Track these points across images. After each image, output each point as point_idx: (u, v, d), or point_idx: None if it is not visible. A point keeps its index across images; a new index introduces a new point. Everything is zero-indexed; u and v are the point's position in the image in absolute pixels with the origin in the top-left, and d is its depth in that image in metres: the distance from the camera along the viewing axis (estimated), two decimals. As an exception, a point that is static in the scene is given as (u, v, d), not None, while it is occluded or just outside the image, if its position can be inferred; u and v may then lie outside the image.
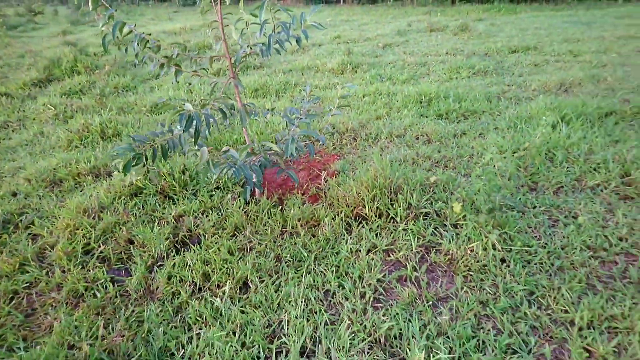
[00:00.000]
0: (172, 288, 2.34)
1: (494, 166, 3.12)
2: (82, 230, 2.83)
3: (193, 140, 2.39)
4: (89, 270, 2.52)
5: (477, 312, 2.10)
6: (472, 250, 2.48)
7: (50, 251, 2.72)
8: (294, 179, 2.70)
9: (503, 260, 2.43)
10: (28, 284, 2.47)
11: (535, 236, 2.60)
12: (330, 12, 21.35)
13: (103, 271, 2.49)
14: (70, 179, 3.70)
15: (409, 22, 14.12)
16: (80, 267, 2.54)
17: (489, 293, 2.21)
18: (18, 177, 3.86)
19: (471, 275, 2.34)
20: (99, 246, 2.72)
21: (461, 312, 2.10)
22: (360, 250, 2.58)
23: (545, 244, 2.53)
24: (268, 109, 5.13)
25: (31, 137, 5.12)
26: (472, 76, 6.79)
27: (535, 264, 2.39)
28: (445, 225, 2.76)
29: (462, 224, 2.70)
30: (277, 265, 2.52)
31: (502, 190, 2.87)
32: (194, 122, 2.31)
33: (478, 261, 2.41)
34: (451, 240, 2.59)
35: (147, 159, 2.69)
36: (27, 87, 7.29)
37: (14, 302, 2.34)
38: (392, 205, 2.90)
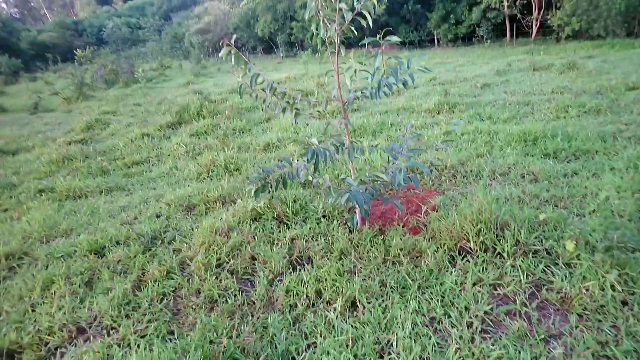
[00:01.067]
0: (290, 300, 2.64)
1: (611, 205, 2.98)
2: (214, 246, 3.31)
3: (313, 169, 2.74)
4: (221, 281, 2.94)
5: (595, 351, 2.03)
6: (587, 290, 2.40)
7: (190, 263, 3.23)
8: (399, 208, 2.90)
9: (624, 303, 2.32)
10: (174, 289, 2.96)
11: (663, 280, 2.43)
12: (424, 57, 21.70)
13: (233, 282, 2.90)
14: (202, 204, 4.32)
15: (509, 62, 13.80)
16: (214, 277, 2.98)
17: (609, 334, 2.12)
18: (160, 202, 4.61)
19: (587, 314, 2.27)
20: (229, 260, 3.16)
21: (576, 349, 2.05)
22: (465, 283, 2.64)
23: (675, 289, 2.35)
24: (372, 145, 5.46)
25: (168, 170, 6.06)
26: (582, 115, 6.44)
27: (664, 309, 2.23)
28: (557, 263, 2.70)
29: (576, 263, 2.62)
30: (382, 289, 2.70)
31: (621, 230, 2.73)
32: (315, 154, 2.66)
33: (595, 301, 2.33)
34: (564, 278, 2.53)
35: (271, 187, 3.11)
36: (162, 128, 8.63)
37: (163, 302, 2.82)
38: (498, 240, 2.92)
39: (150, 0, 65.78)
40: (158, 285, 2.97)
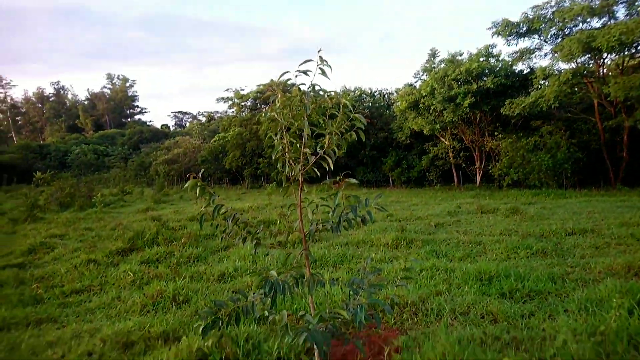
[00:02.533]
0: None
1: (570, 349, 2.95)
2: (149, 394, 2.87)
3: (270, 304, 2.60)
4: None
5: None
6: None
7: (117, 415, 2.74)
8: (361, 350, 2.72)
9: None
10: None
11: None
12: (380, 195, 23.08)
13: None
14: (142, 342, 3.88)
15: (458, 204, 14.88)
16: None
17: None
18: (94, 337, 4.11)
19: None
20: (164, 413, 2.71)
21: None
22: None
23: None
24: (333, 279, 5.35)
25: (109, 300, 5.56)
26: (531, 256, 6.79)
27: None
28: (527, 416, 2.51)
29: (546, 416, 2.45)
30: None
31: (586, 377, 2.65)
32: (274, 287, 2.56)
33: None
34: None
35: (222, 323, 2.89)
36: (112, 255, 8.18)
37: None
38: (463, 388, 2.74)
39: (122, 132, 68.86)
40: None
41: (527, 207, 13.29)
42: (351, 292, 3.34)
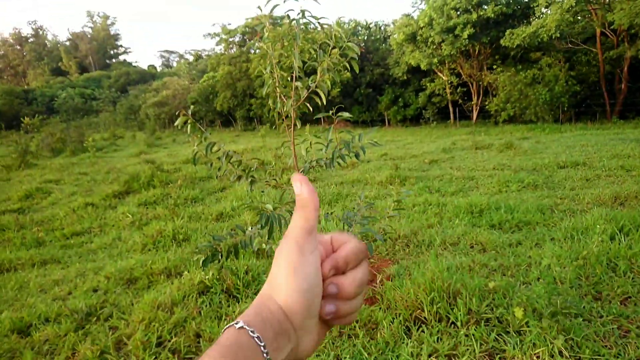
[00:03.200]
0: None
1: (553, 272, 3.11)
2: (155, 323, 3.04)
3: (267, 236, 2.68)
4: (161, 361, 2.66)
5: None
6: (538, 357, 2.40)
7: (127, 342, 2.92)
8: (355, 279, 2.85)
9: (575, 371, 2.32)
10: (105, 372, 2.64)
11: (606, 345, 2.49)
12: (375, 134, 23.01)
13: (174, 362, 2.63)
14: (145, 277, 4.04)
15: (453, 141, 14.91)
16: (153, 357, 2.70)
17: (564, 405, 2.09)
18: (99, 275, 4.27)
19: (542, 384, 2.24)
20: (171, 338, 2.90)
21: (535, 423, 1.99)
22: (421, 355, 2.56)
23: (619, 354, 2.40)
24: (328, 213, 5.47)
25: (110, 241, 5.71)
26: (522, 189, 6.93)
27: (612, 375, 2.26)
28: (508, 331, 2.71)
29: (526, 330, 2.64)
30: (337, 365, 2.55)
31: (563, 295, 2.82)
32: (270, 220, 2.62)
33: (548, 370, 2.32)
34: (515, 346, 2.52)
35: (222, 256, 2.99)
36: (109, 198, 8.27)
37: (92, 388, 2.49)
38: (451, 309, 2.91)
39: (108, 73, 66.54)
40: (87, 368, 2.64)
41: (522, 142, 13.33)
42: (345, 225, 3.43)
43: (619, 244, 3.78)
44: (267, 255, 4.29)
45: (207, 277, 3.56)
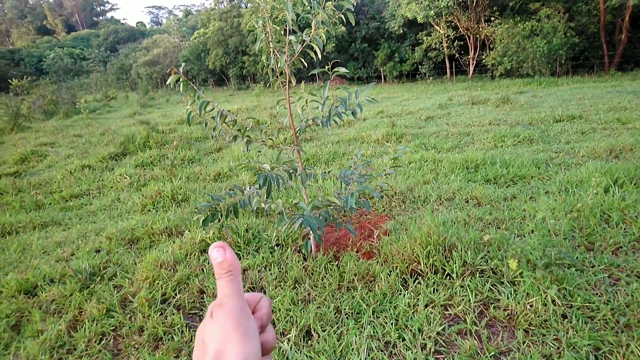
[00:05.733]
0: (241, 333, 2.52)
1: (548, 225, 3.18)
2: (159, 281, 3.12)
3: (265, 196, 2.70)
4: (167, 317, 2.76)
5: (541, 365, 2.10)
6: (531, 306, 2.50)
7: (132, 299, 3.01)
8: (353, 233, 2.91)
9: (564, 316, 2.43)
10: (114, 328, 2.73)
11: (597, 293, 2.59)
12: (372, 91, 22.64)
13: (179, 317, 2.73)
14: (147, 237, 4.10)
15: (450, 96, 14.71)
16: (159, 313, 2.80)
17: (552, 347, 2.21)
18: (100, 236, 4.33)
19: (532, 329, 2.35)
20: (175, 295, 2.99)
21: (525, 364, 2.10)
22: (418, 305, 2.66)
23: (608, 301, 2.51)
24: (325, 172, 5.49)
25: (109, 202, 5.74)
26: (517, 144, 6.93)
27: (599, 320, 2.37)
28: (502, 282, 2.80)
29: (519, 281, 2.74)
30: (337, 316, 2.65)
31: (557, 247, 2.90)
32: (268, 180, 2.63)
33: (538, 316, 2.42)
34: (509, 296, 2.62)
35: (221, 216, 3.03)
36: (105, 160, 8.23)
37: (102, 342, 2.59)
38: (447, 262, 3.00)
39: (96, 32, 64.17)
40: (97, 324, 2.74)
41: (518, 96, 13.19)
42: (342, 183, 3.46)
43: (613, 196, 3.84)
44: (266, 213, 4.35)
45: (208, 235, 3.62)
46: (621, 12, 18.98)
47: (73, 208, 5.74)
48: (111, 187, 6.49)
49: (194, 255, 3.50)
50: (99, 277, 3.39)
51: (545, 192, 4.44)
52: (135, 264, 3.54)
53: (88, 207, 5.75)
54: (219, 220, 2.98)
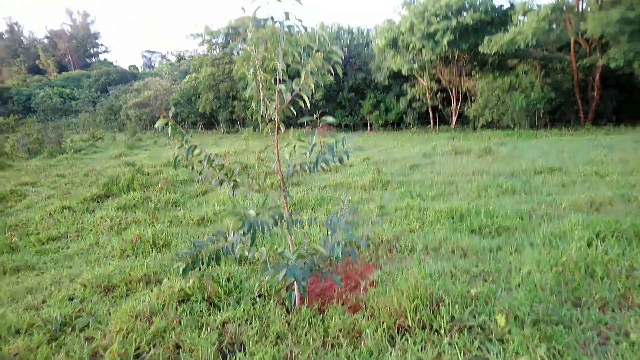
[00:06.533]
0: (218, 394, 2.36)
1: (534, 278, 3.15)
2: (134, 333, 2.95)
3: (249, 243, 2.64)
4: (139, 374, 2.58)
5: None
6: (521, 365, 2.42)
7: (103, 354, 2.82)
8: (338, 284, 2.83)
9: (556, 377, 2.35)
10: (80, 386, 2.54)
11: (587, 353, 2.53)
12: (358, 138, 23.11)
13: (152, 374, 2.55)
14: (123, 285, 3.93)
15: (433, 146, 15.08)
16: (130, 369, 2.62)
17: (546, 412, 2.11)
18: (75, 282, 4.13)
19: (524, 392, 2.26)
20: (149, 350, 2.81)
21: None
22: (405, 363, 2.56)
23: (599, 360, 2.44)
24: (312, 218, 5.44)
25: (87, 246, 5.55)
26: (500, 195, 7.04)
27: (591, 381, 2.29)
28: (491, 339, 2.72)
29: (508, 338, 2.67)
30: (321, 375, 2.52)
31: (545, 303, 2.86)
32: (252, 226, 2.58)
33: (529, 377, 2.34)
34: (499, 354, 2.54)
35: (203, 263, 2.93)
36: (87, 201, 8.05)
37: (65, 403, 2.39)
38: (434, 317, 2.92)
39: (88, 73, 65.04)
40: (61, 382, 2.54)
41: (500, 147, 13.60)
42: (329, 230, 3.41)
43: (596, 250, 3.87)
44: (249, 261, 4.23)
45: (187, 285, 3.48)
46: (592, 71, 20.16)
47: (49, 251, 5.53)
48: (91, 230, 6.30)
49: (172, 305, 3.34)
50: (70, 328, 3.19)
51: (530, 244, 4.46)
52: (110, 314, 3.36)
53: (65, 250, 5.55)
54: (200, 269, 2.88)
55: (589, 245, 4.10)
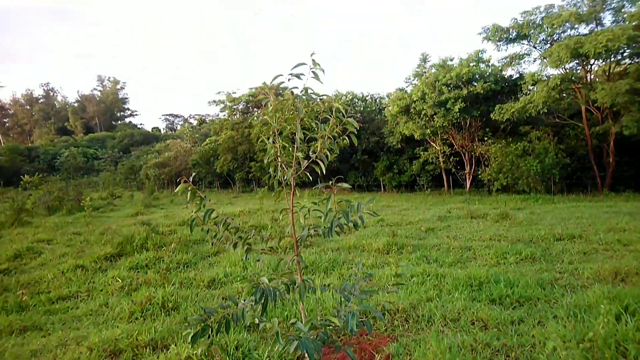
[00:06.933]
0: None
1: (560, 356, 2.96)
2: (136, 404, 2.82)
3: (260, 311, 2.57)
4: None
5: None
6: None
7: None
8: (352, 358, 2.70)
9: None
10: None
11: None
12: (372, 201, 23.09)
13: None
14: (130, 350, 3.82)
15: (448, 209, 14.95)
16: None
17: None
18: (81, 345, 4.03)
19: None
20: (152, 423, 2.66)
21: None
22: None
23: None
24: (325, 285, 5.31)
25: (97, 307, 5.47)
26: (520, 262, 6.83)
27: None
28: (517, 423, 2.51)
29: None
30: None
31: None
32: (265, 294, 2.53)
33: None
34: None
35: (212, 330, 2.85)
36: (100, 260, 8.06)
37: None
38: (454, 395, 2.73)
39: (112, 134, 68.18)
40: None
41: (516, 212, 13.40)
42: (342, 299, 3.32)
43: (626, 326, 3.65)
44: (259, 329, 4.10)
45: (195, 352, 3.37)
46: (606, 138, 20.27)
47: (58, 311, 5.46)
48: (101, 290, 6.25)
49: (178, 374, 3.21)
50: (71, 396, 3.07)
51: (554, 317, 4.24)
52: (113, 381, 3.23)
53: (74, 311, 5.48)
54: (209, 337, 2.80)
55: (618, 319, 3.88)
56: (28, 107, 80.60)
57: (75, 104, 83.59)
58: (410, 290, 5.33)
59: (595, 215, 11.84)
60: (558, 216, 12.08)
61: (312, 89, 3.16)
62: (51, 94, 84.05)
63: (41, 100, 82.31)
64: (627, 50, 17.87)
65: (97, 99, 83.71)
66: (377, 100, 32.65)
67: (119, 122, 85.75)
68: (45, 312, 5.44)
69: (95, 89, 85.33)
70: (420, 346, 3.53)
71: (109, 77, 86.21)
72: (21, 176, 26.15)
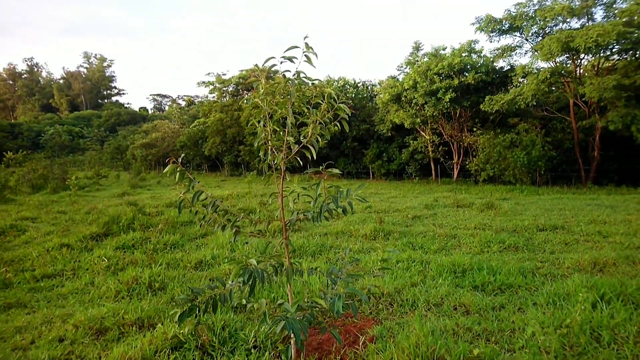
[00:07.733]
0: None
1: (538, 340, 3.06)
2: (123, 380, 2.84)
3: (248, 292, 2.60)
4: None
5: None
6: None
7: (89, 401, 2.71)
8: (337, 339, 2.75)
9: None
10: None
11: (596, 423, 2.41)
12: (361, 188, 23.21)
13: None
14: (116, 328, 3.83)
15: (435, 197, 15.12)
16: (116, 420, 2.50)
17: None
18: (67, 323, 4.03)
19: None
20: (138, 399, 2.70)
21: None
22: None
23: None
24: (312, 268, 5.37)
25: (82, 286, 5.45)
26: (503, 250, 6.98)
27: None
28: (494, 403, 2.61)
29: (512, 404, 2.56)
30: None
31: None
32: (253, 275, 2.56)
33: None
34: (502, 421, 2.42)
35: (199, 310, 2.88)
36: (86, 240, 8.00)
37: None
38: (435, 376, 2.82)
39: (99, 113, 66.91)
40: None
41: (502, 202, 13.61)
42: (329, 282, 3.37)
43: (601, 313, 3.78)
44: (246, 310, 4.14)
45: (181, 331, 3.40)
46: (592, 132, 20.60)
47: (43, 289, 5.43)
48: (87, 269, 6.22)
49: (165, 352, 3.24)
50: (56, 373, 3.08)
51: (534, 304, 4.36)
52: (100, 358, 3.25)
53: (59, 289, 5.45)
54: (196, 316, 2.82)
55: (594, 307, 4.02)
56: (11, 83, 78.43)
57: (61, 81, 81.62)
58: (395, 275, 5.42)
59: (578, 207, 12.10)
60: (542, 207, 12.32)
61: (304, 73, 3.14)
62: (35, 69, 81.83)
63: (25, 75, 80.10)
64: (617, 46, 18.05)
65: (84, 76, 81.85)
66: (369, 88, 32.55)
67: (106, 100, 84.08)
68: (30, 289, 5.41)
69: (81, 65, 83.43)
70: (403, 329, 3.61)
71: (96, 54, 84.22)
72: (4, 153, 25.60)
